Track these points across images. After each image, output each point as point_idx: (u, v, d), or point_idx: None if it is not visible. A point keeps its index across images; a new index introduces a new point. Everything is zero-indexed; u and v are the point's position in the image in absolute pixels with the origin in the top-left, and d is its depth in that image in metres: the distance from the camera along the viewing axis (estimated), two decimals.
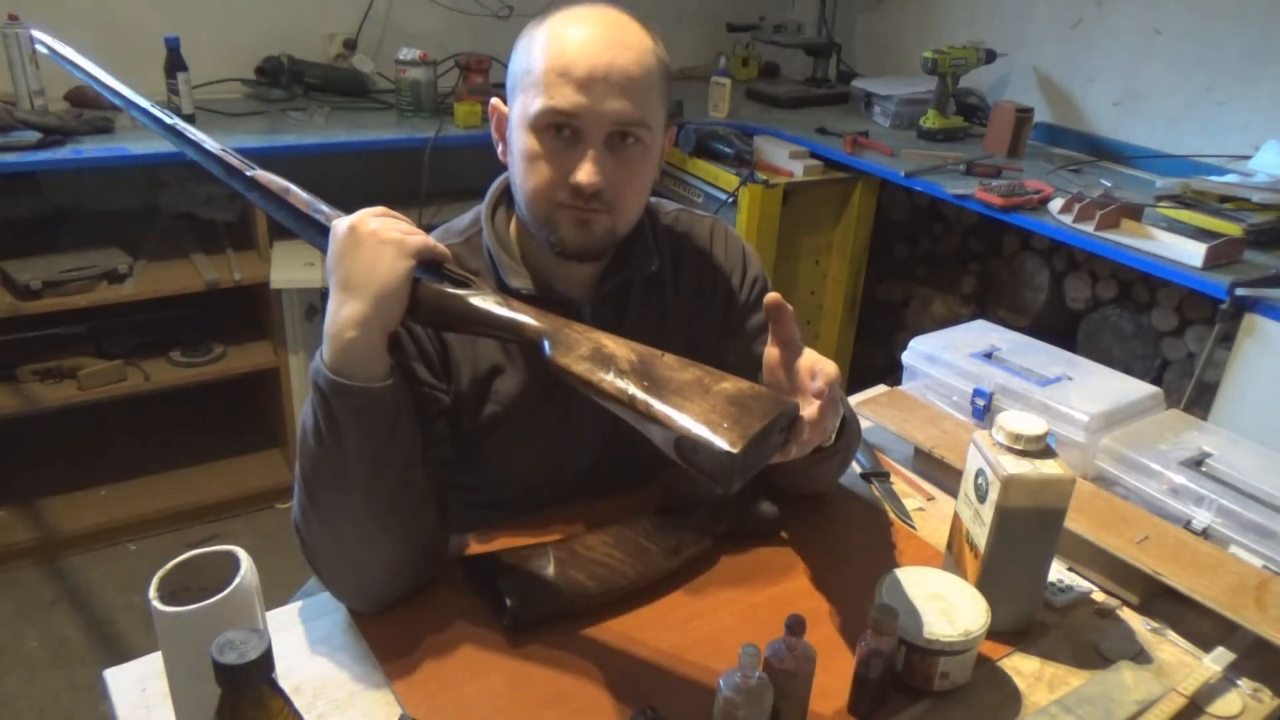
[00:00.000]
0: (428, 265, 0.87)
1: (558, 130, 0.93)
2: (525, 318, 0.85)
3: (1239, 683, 0.92)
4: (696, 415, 0.73)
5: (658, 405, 0.75)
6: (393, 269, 0.83)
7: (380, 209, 0.87)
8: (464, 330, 0.89)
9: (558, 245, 0.98)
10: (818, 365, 0.85)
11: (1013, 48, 2.62)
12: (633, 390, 0.76)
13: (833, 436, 0.94)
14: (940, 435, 1.21)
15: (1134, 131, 2.41)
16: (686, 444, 0.73)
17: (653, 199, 1.14)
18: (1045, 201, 2.02)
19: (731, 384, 0.77)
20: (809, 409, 0.81)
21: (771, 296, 0.85)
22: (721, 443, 0.71)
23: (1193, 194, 1.93)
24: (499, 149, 1.03)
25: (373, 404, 0.84)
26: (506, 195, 1.06)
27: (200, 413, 2.70)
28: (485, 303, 0.86)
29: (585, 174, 0.93)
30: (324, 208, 0.92)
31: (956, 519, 0.99)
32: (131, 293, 2.17)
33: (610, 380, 0.78)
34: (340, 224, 0.86)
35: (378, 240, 0.83)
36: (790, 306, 0.85)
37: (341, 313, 0.83)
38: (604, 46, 0.92)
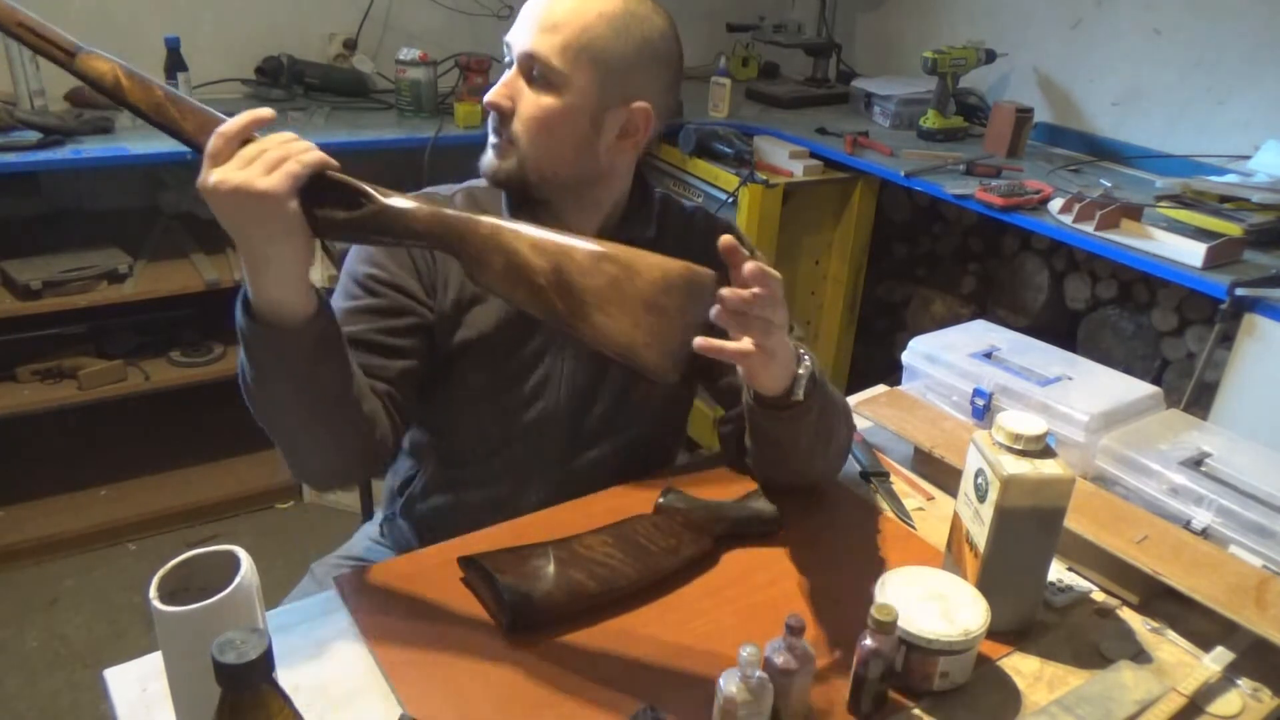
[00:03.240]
0: (314, 181, 0.80)
1: (508, 63, 1.03)
2: (423, 226, 0.82)
3: (1239, 682, 0.92)
4: (619, 335, 0.78)
5: (583, 328, 0.79)
6: (273, 221, 0.77)
7: (231, 134, 0.78)
8: (372, 244, 0.88)
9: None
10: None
11: (1013, 48, 2.62)
12: (555, 311, 0.80)
13: (797, 369, 0.95)
14: (940, 435, 1.21)
15: (1134, 131, 2.41)
16: (616, 357, 0.80)
17: (670, 195, 1.22)
18: (1045, 201, 2.02)
19: (645, 279, 0.79)
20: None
21: (725, 239, 0.85)
22: (647, 362, 0.78)
23: (1193, 194, 1.93)
24: None
25: (289, 346, 0.85)
26: None
27: (200, 413, 2.70)
28: (384, 219, 0.82)
29: (489, 92, 1.01)
30: (187, 127, 0.81)
31: (956, 519, 0.99)
32: (131, 293, 2.17)
33: (532, 301, 0.81)
34: (203, 185, 0.78)
35: (246, 197, 0.76)
36: (743, 249, 0.86)
37: (247, 267, 0.81)
38: None
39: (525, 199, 1.06)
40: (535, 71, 1.00)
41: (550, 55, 0.98)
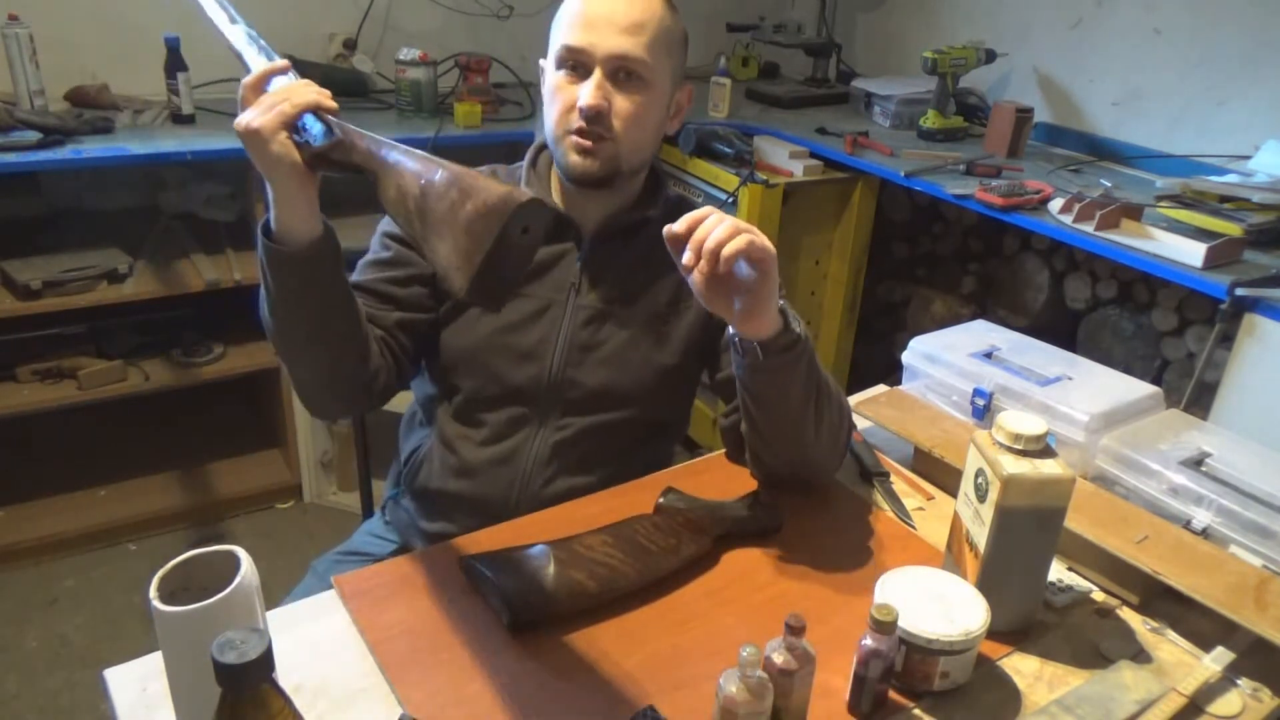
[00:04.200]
0: (314, 115, 0.90)
1: (572, 67, 1.09)
2: (360, 157, 0.89)
3: (1238, 682, 0.92)
4: (441, 258, 0.82)
5: (425, 250, 0.84)
6: (266, 153, 0.88)
7: (249, 84, 0.91)
8: (340, 172, 0.94)
9: (566, 169, 1.12)
10: None
11: (1013, 48, 2.62)
12: (416, 234, 0.85)
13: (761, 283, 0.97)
14: (940, 435, 1.21)
15: (1134, 131, 2.41)
16: (440, 279, 0.88)
17: (684, 196, 1.26)
18: (1045, 201, 2.02)
19: (471, 204, 0.80)
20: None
21: (666, 229, 0.91)
22: (455, 284, 0.81)
23: (1193, 194, 1.93)
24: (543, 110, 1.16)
25: (288, 261, 0.94)
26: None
27: (200, 413, 2.70)
28: (339, 150, 0.89)
29: (584, 96, 1.07)
30: (250, 59, 0.95)
31: (956, 519, 0.99)
32: (131, 293, 2.17)
33: (407, 225, 0.86)
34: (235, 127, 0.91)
35: (248, 134, 0.88)
36: (681, 229, 0.91)
37: (268, 193, 0.93)
38: None
39: (598, 188, 1.14)
40: (623, 72, 1.08)
41: (644, 55, 1.07)
